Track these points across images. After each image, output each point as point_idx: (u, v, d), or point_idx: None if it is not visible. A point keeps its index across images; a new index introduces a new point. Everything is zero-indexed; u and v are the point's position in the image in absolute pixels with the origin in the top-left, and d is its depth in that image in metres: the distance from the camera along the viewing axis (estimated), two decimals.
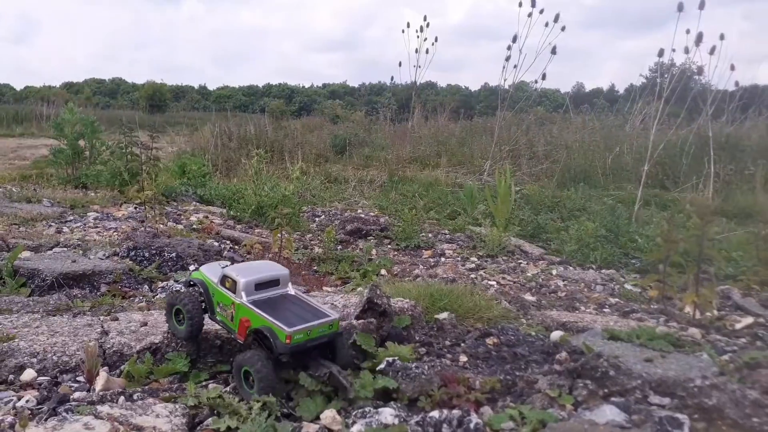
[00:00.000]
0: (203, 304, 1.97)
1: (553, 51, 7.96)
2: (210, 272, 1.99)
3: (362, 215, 5.92)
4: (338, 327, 1.84)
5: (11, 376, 1.90)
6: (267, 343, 1.73)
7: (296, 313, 1.79)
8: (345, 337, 1.88)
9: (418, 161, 10.21)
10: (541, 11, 8.02)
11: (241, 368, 1.74)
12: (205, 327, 2.08)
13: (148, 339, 2.12)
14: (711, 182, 6.70)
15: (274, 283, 1.90)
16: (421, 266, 4.15)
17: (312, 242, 4.83)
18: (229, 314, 1.86)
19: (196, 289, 2.00)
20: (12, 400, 1.73)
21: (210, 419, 1.64)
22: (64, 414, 1.58)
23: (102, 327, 2.25)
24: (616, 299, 3.50)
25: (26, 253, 3.48)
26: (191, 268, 3.57)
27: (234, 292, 1.84)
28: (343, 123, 15.67)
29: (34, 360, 1.97)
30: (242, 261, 3.86)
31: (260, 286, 1.86)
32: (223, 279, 1.90)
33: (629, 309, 3.23)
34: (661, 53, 6.25)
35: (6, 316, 2.39)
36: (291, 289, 1.94)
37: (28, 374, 1.90)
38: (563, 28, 7.89)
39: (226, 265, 1.99)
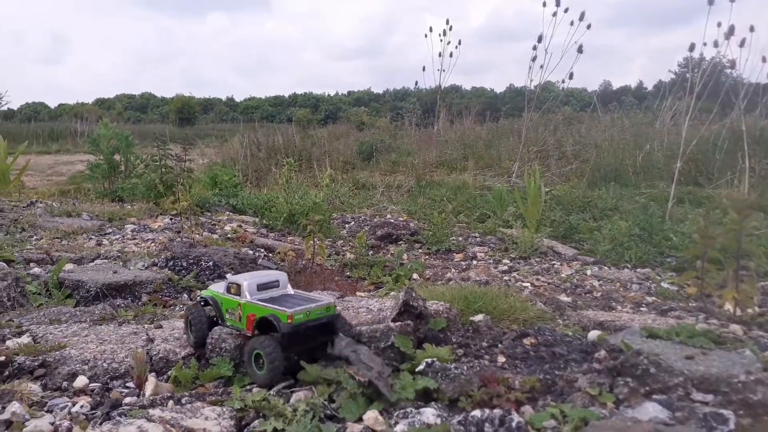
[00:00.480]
0: (212, 317, 2.20)
1: (579, 50, 7.91)
2: (217, 287, 2.24)
3: (392, 220, 5.95)
4: (335, 310, 2.03)
5: (65, 383, 1.97)
6: (273, 328, 1.93)
7: (295, 302, 2.01)
8: (344, 319, 2.08)
9: (445, 165, 10.21)
10: (566, 10, 7.98)
11: (253, 351, 1.94)
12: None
13: None
14: (746, 177, 6.56)
15: (274, 284, 2.13)
16: (453, 269, 4.16)
17: (343, 248, 4.88)
18: (237, 316, 2.08)
19: (210, 308, 2.22)
20: (67, 405, 1.80)
21: (256, 421, 1.68)
22: (117, 418, 1.64)
23: (147, 335, 2.32)
24: (653, 298, 3.46)
25: (69, 266, 3.60)
26: (228, 276, 3.65)
27: (239, 295, 2.07)
28: (368, 129, 15.76)
29: (86, 367, 2.04)
30: (276, 268, 3.93)
31: (261, 286, 2.09)
32: (229, 287, 2.13)
33: (667, 307, 3.19)
34: (692, 48, 6.16)
35: (56, 325, 2.48)
36: (291, 290, 2.16)
37: (81, 381, 1.97)
38: (589, 26, 7.83)
39: None
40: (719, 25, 5.81)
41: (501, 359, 2.15)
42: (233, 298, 2.09)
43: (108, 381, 2.01)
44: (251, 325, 2.01)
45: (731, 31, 5.65)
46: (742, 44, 5.82)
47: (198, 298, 2.30)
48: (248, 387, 1.95)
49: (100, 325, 2.54)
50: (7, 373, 2.01)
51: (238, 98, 61.34)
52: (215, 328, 2.23)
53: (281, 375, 1.91)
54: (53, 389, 1.95)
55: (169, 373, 2.05)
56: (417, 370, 1.89)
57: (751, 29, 5.96)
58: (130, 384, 1.98)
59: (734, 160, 7.04)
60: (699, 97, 6.43)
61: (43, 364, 2.06)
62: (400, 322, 2.19)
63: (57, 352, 2.12)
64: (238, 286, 2.06)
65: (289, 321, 1.88)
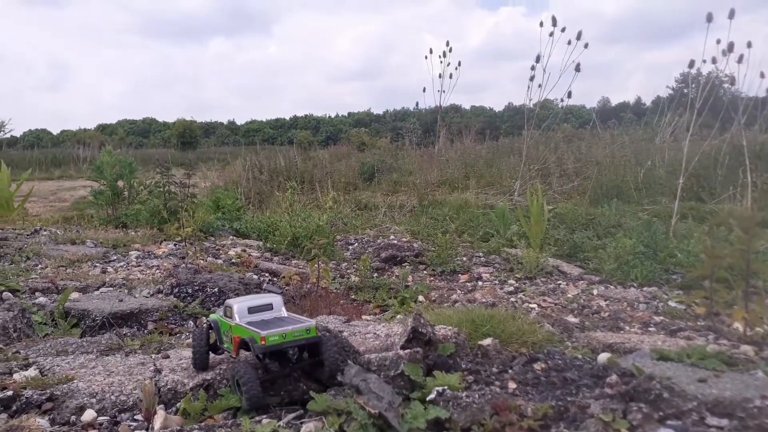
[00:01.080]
0: (210, 340, 2.22)
1: (577, 68, 7.97)
2: (220, 310, 2.27)
3: (395, 241, 5.95)
4: (316, 333, 2.04)
5: (73, 417, 1.96)
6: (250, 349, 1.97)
7: (278, 325, 2.03)
8: (331, 342, 2.06)
9: (447, 184, 10.21)
10: (563, 29, 8.05)
11: (234, 378, 1.99)
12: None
13: (200, 375, 2.16)
14: (749, 192, 6.56)
15: (267, 307, 2.15)
16: (458, 291, 4.14)
17: (348, 271, 4.86)
18: (229, 338, 2.12)
19: (212, 331, 2.25)
20: None
21: None
22: None
23: (155, 365, 2.30)
24: (661, 317, 3.44)
25: (75, 294, 3.59)
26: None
27: (231, 318, 2.11)
28: (369, 150, 15.81)
29: (94, 400, 2.03)
30: (281, 292, 3.93)
31: (253, 309, 2.12)
32: (225, 309, 2.17)
33: (676, 327, 3.17)
34: (691, 64, 6.21)
35: (63, 357, 2.47)
36: (284, 313, 2.18)
37: (89, 414, 1.95)
38: (586, 45, 7.91)
39: None
40: (718, 42, 5.87)
41: (512, 385, 2.13)
42: (227, 320, 2.14)
43: (116, 414, 1.99)
44: (237, 348, 2.06)
45: (730, 47, 5.70)
46: (740, 60, 5.86)
47: (205, 322, 2.33)
48: (257, 418, 1.93)
49: (107, 355, 2.53)
50: (14, 407, 1.99)
51: (240, 121, 61.77)
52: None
53: (261, 399, 1.93)
54: (61, 424, 1.93)
55: (177, 405, 2.04)
56: (428, 399, 1.88)
57: (749, 45, 6.01)
58: (139, 417, 1.96)
59: (736, 175, 7.04)
60: (699, 112, 6.46)
61: (50, 397, 2.04)
62: (409, 350, 2.18)
63: (65, 385, 2.11)
64: (231, 308, 2.12)
65: (263, 343, 1.93)
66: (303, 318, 2.17)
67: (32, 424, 1.86)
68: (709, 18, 5.72)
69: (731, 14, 5.67)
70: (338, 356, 2.05)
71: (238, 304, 2.11)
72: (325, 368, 2.02)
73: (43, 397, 2.04)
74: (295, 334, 1.99)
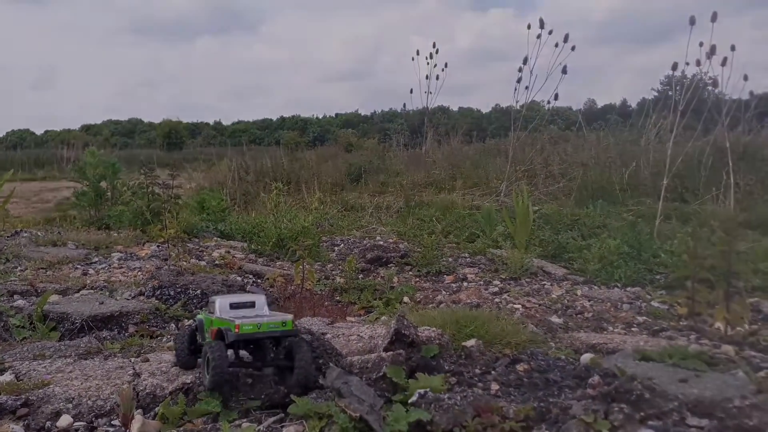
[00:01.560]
0: (192, 339, 2.24)
1: (564, 71, 8.00)
2: (206, 310, 2.30)
3: (381, 243, 5.93)
4: (292, 326, 2.05)
5: (48, 423, 1.92)
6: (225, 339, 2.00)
7: (256, 318, 2.04)
8: (305, 350, 2.03)
9: (434, 185, 10.20)
10: (550, 32, 8.08)
11: (205, 356, 2.01)
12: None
13: (179, 379, 2.13)
14: (732, 193, 6.62)
15: (249, 305, 2.16)
16: (443, 292, 4.14)
17: (333, 272, 4.84)
18: (210, 332, 2.13)
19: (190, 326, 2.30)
20: None
21: None
22: None
23: (134, 369, 2.27)
24: (644, 317, 3.45)
25: (55, 297, 3.53)
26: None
27: (213, 312, 2.13)
28: (357, 151, 15.76)
29: (70, 405, 1.99)
30: (264, 294, 3.91)
31: (235, 305, 2.13)
32: (209, 306, 2.20)
33: (658, 327, 3.19)
34: (674, 67, 6.26)
35: (40, 361, 2.42)
36: (267, 311, 2.17)
37: (65, 420, 1.92)
38: (573, 48, 7.95)
39: None
40: (701, 44, 5.92)
41: (494, 387, 2.13)
42: (209, 315, 2.16)
43: (93, 419, 1.96)
44: (214, 338, 2.07)
45: (713, 50, 5.75)
46: (723, 63, 5.91)
47: (193, 321, 2.34)
48: (237, 422, 1.91)
49: (86, 359, 2.49)
50: None
51: (226, 122, 61.28)
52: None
53: (225, 380, 1.94)
54: (36, 430, 1.90)
55: (156, 409, 2.00)
56: (410, 401, 1.86)
57: (732, 48, 6.06)
58: (116, 422, 1.93)
59: (719, 176, 7.11)
60: (683, 114, 6.51)
61: (26, 403, 2.00)
62: (391, 352, 2.16)
63: (41, 390, 2.07)
64: (213, 303, 2.15)
65: (237, 330, 1.95)
66: (283, 315, 2.16)
67: (6, 429, 1.83)
68: (692, 21, 5.77)
69: (713, 17, 5.73)
70: (311, 366, 2.01)
71: (221, 299, 2.14)
72: (293, 376, 1.98)
73: (18, 403, 2.00)
74: (270, 326, 2.00)
